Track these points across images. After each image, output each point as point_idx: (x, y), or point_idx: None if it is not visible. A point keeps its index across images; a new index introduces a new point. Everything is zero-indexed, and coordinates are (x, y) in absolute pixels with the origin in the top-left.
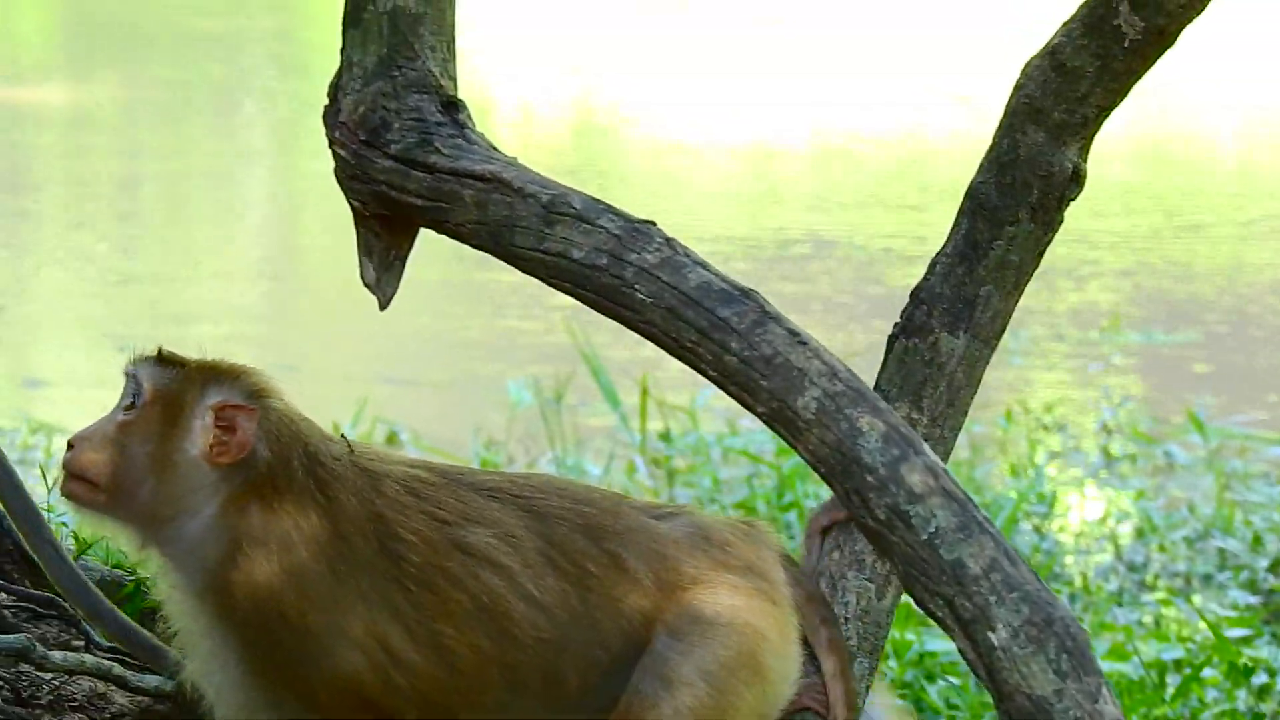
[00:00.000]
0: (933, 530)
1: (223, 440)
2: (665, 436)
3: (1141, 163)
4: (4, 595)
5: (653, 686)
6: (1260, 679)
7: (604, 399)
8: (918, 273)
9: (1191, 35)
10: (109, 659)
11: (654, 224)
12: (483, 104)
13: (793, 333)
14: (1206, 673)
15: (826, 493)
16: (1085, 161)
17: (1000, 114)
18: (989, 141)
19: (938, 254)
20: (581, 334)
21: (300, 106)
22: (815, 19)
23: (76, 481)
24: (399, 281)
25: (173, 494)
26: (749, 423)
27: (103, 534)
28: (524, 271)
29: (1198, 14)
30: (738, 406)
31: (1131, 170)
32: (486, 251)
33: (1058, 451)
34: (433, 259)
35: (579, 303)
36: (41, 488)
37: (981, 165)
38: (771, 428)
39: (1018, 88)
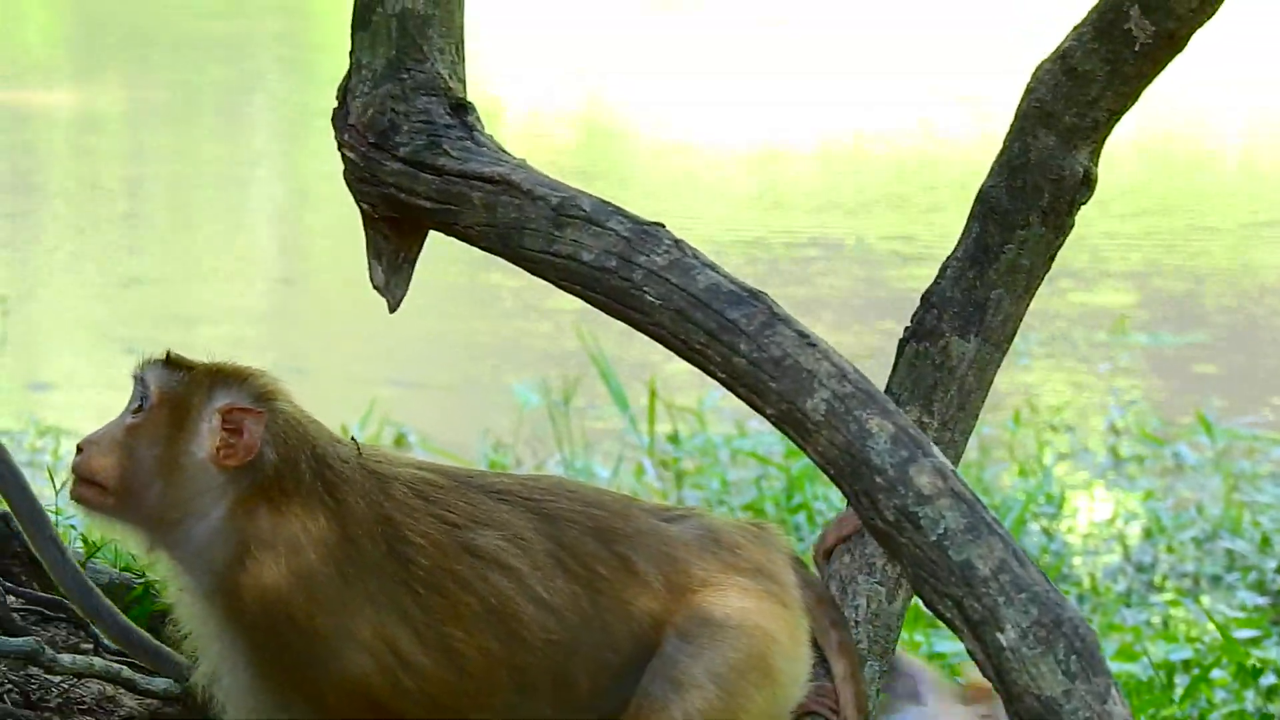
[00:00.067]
0: (941, 532)
1: (230, 443)
2: (674, 438)
3: (1149, 165)
4: (13, 598)
5: (662, 689)
6: (1268, 680)
7: (612, 401)
8: (927, 275)
9: (1199, 37)
10: (118, 662)
11: (663, 226)
12: (491, 106)
13: (802, 334)
14: (1215, 673)
15: (835, 494)
16: (1096, 165)
17: (1009, 116)
18: (997, 143)
19: (948, 257)
20: (590, 336)
21: (306, 108)
22: (821, 19)
23: (85, 485)
24: (408, 284)
25: (180, 496)
26: (757, 424)
27: (113, 537)
28: (533, 273)
29: (1208, 18)
30: (746, 408)
31: (1139, 172)
32: (495, 254)
33: (1066, 453)
34: (441, 261)
35: (587, 305)
36: (49, 490)
37: (992, 169)
38: (780, 429)
39: (1028, 91)
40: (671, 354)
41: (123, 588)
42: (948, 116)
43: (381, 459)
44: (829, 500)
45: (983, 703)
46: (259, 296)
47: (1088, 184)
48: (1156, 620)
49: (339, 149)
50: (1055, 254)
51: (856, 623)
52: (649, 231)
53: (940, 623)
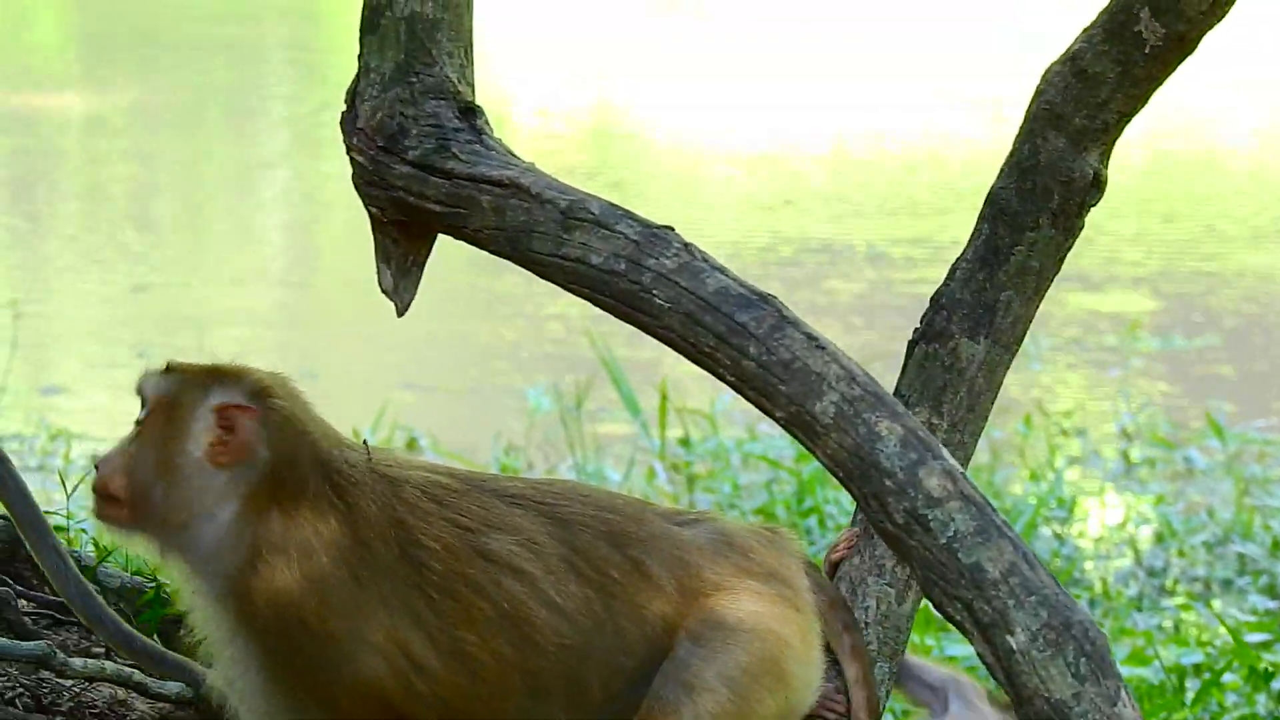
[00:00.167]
0: (951, 534)
1: (224, 440)
2: (685, 442)
3: (1160, 167)
4: (24, 602)
5: (674, 692)
6: None
7: (623, 405)
8: (937, 277)
9: (1209, 40)
10: (129, 666)
11: (672, 229)
12: (501, 109)
13: (811, 337)
14: (1226, 677)
15: (846, 498)
16: (1106, 167)
17: (1019, 118)
18: (1007, 145)
19: (958, 259)
20: (601, 340)
21: (317, 112)
22: (829, 21)
23: (103, 502)
24: (417, 288)
25: (183, 498)
26: (768, 428)
27: (136, 552)
28: (541, 277)
29: (1218, 20)
30: (757, 411)
31: (1150, 175)
32: (504, 257)
33: (1077, 456)
34: (452, 265)
35: (597, 308)
36: (60, 494)
37: (1002, 170)
38: (790, 432)
39: (1038, 93)
40: (682, 357)
41: (134, 592)
42: (957, 118)
43: (393, 462)
44: (840, 504)
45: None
46: (270, 300)
47: (1097, 186)
48: (1168, 624)
49: (347, 153)
50: (1065, 256)
51: (866, 624)
52: (658, 234)
53: (951, 626)
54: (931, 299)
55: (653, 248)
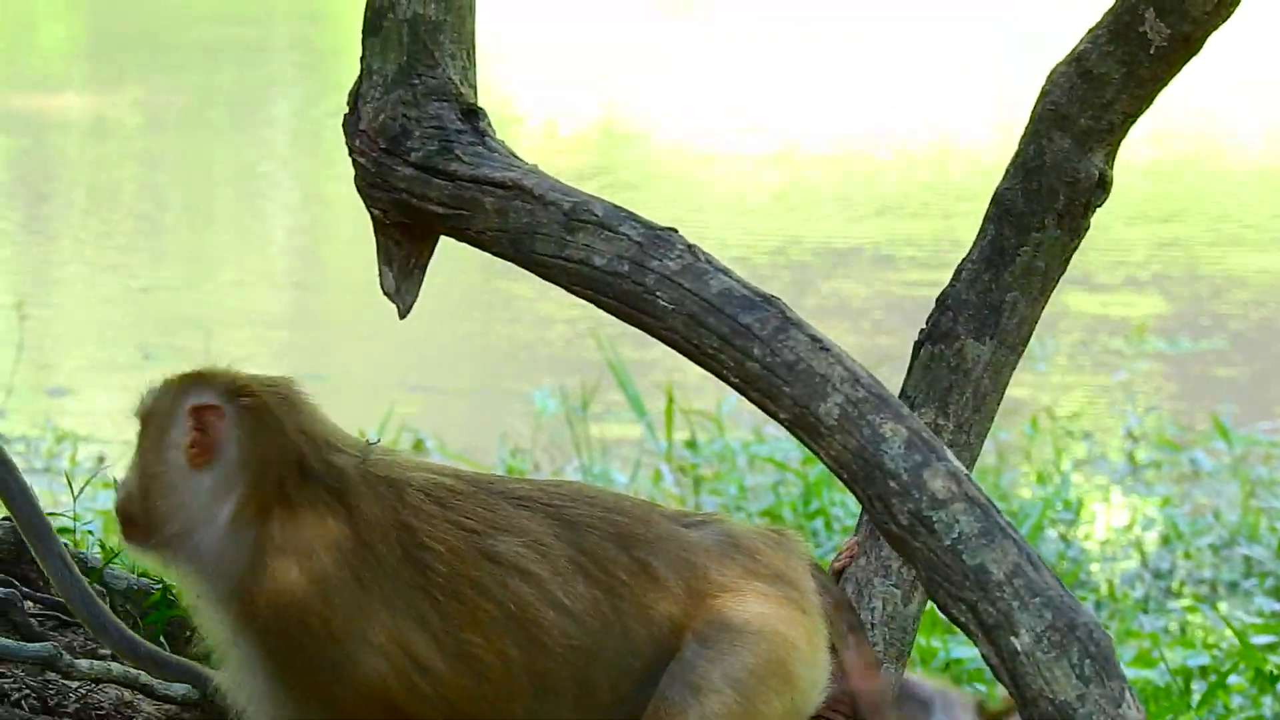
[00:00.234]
0: (955, 536)
1: (200, 442)
2: (691, 444)
3: (1166, 168)
4: (30, 604)
5: (680, 693)
6: None
7: (629, 407)
8: (943, 279)
9: (1216, 38)
10: (136, 667)
11: (675, 231)
12: (504, 112)
13: (815, 339)
14: (1232, 679)
15: (852, 500)
16: (1111, 168)
17: (1024, 119)
18: (1012, 146)
19: (964, 260)
20: (608, 343)
21: (324, 114)
22: (835, 23)
23: (124, 525)
24: (419, 290)
25: (177, 506)
26: (775, 430)
27: (160, 570)
28: (544, 279)
29: (1224, 20)
30: (763, 413)
31: (1156, 176)
32: (507, 259)
33: (1083, 459)
34: (458, 267)
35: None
36: (67, 495)
37: (1007, 171)
38: (793, 434)
39: (1043, 94)
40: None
41: (140, 594)
42: (959, 119)
43: (397, 463)
44: (846, 506)
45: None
46: (276, 302)
47: (1103, 187)
48: (1174, 626)
49: (350, 155)
50: (1070, 256)
51: (872, 625)
52: (661, 236)
53: (957, 628)
54: (937, 300)
55: (656, 249)
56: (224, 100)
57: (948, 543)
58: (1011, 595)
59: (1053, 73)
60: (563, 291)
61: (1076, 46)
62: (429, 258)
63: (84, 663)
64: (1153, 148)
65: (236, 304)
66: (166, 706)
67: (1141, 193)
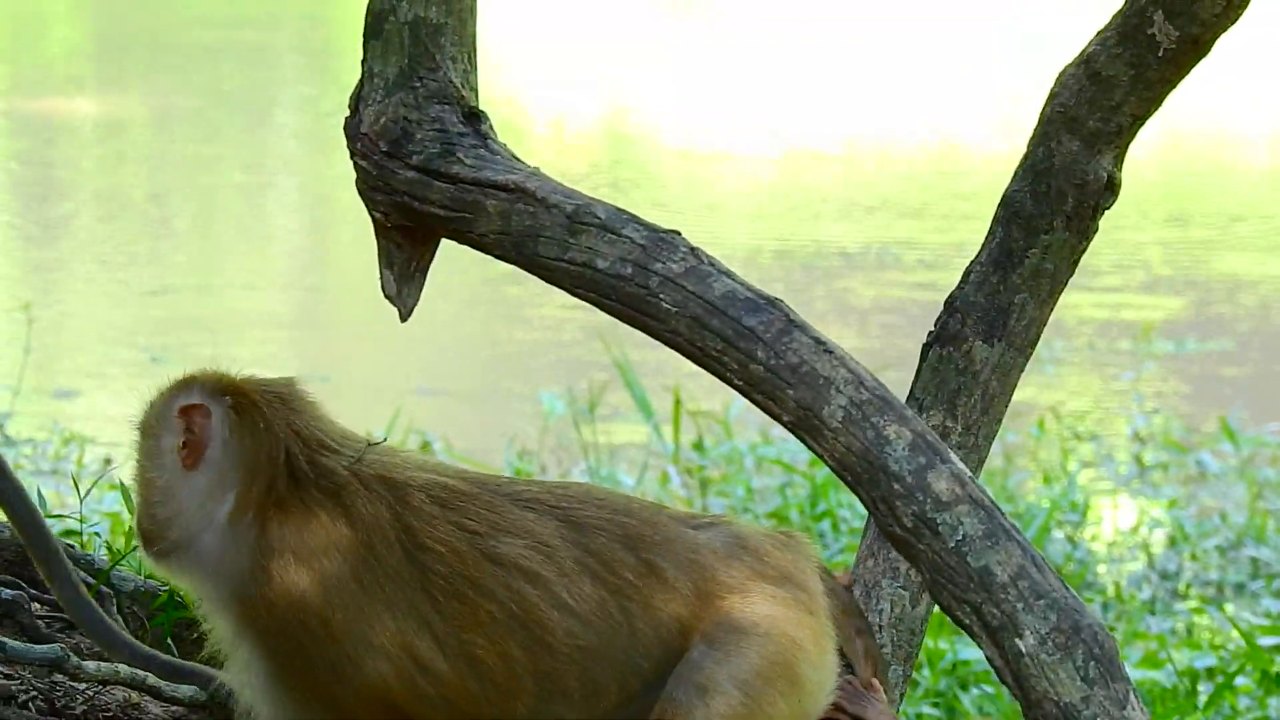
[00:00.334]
0: (960, 538)
1: (190, 442)
2: (698, 446)
3: (1174, 170)
4: (38, 606)
5: (687, 694)
6: None
7: (637, 409)
8: (951, 281)
9: (1226, 39)
10: (143, 669)
11: (679, 233)
12: (506, 114)
13: (818, 341)
14: (1239, 681)
15: (859, 502)
16: (1120, 170)
17: (1033, 121)
18: (1021, 148)
19: (972, 262)
20: (615, 345)
21: (332, 116)
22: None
23: (142, 539)
24: (420, 292)
25: (177, 510)
26: (782, 432)
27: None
28: (547, 281)
29: (1232, 23)
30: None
31: (1164, 178)
32: (509, 262)
33: (1090, 460)
34: (465, 270)
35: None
36: (74, 498)
37: (1016, 173)
38: (797, 436)
39: (1052, 96)
40: None
41: (147, 595)
42: (964, 119)
43: (398, 464)
44: (853, 508)
45: None
46: (284, 304)
47: (1111, 189)
48: (1181, 628)
49: (351, 158)
50: (1079, 259)
51: (880, 627)
52: (665, 239)
53: None
54: (946, 302)
55: (659, 252)
56: (233, 103)
57: (952, 545)
58: (1016, 597)
59: (1061, 75)
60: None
61: (1085, 48)
62: (430, 261)
63: (91, 664)
64: (1161, 148)
65: (244, 306)
66: (173, 708)
67: (1148, 194)
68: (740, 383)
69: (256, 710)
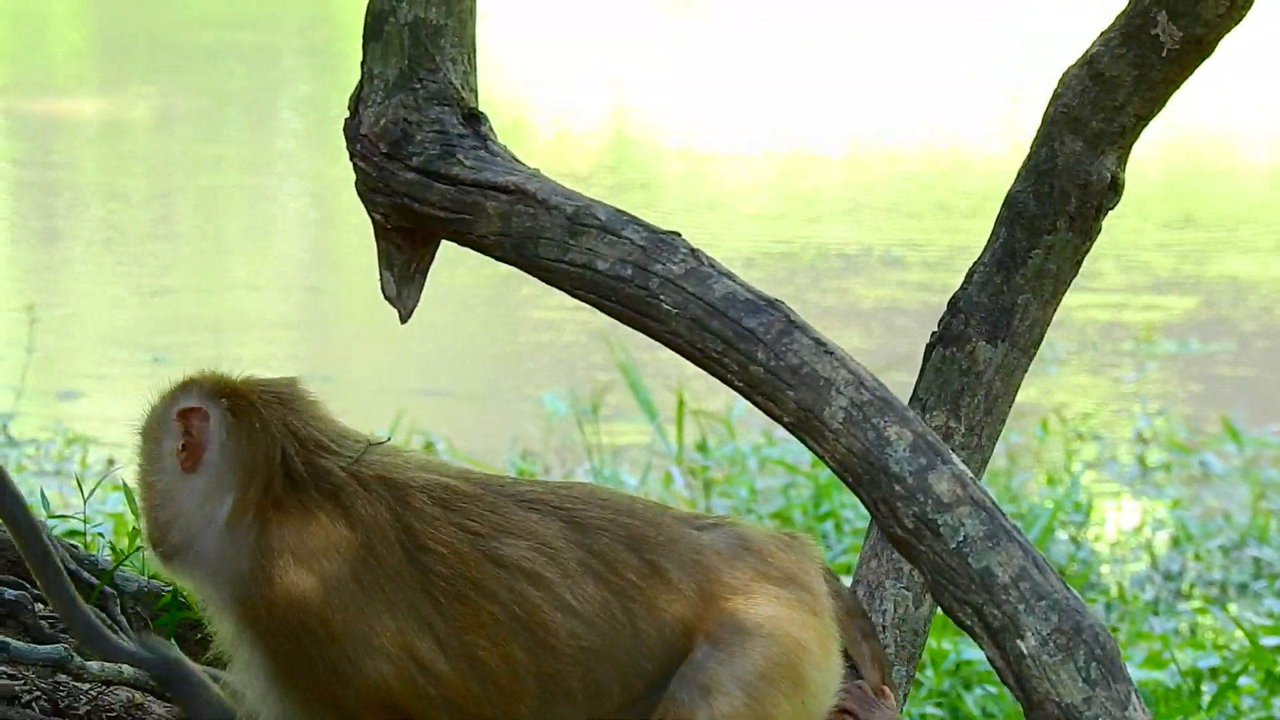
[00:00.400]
0: (961, 539)
1: (188, 445)
2: (702, 447)
3: (1177, 171)
4: (41, 606)
5: (690, 694)
6: None
7: (640, 410)
8: (954, 281)
9: (1230, 40)
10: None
11: (679, 235)
12: (507, 115)
13: (819, 342)
14: (1242, 681)
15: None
16: (1123, 171)
17: (1037, 122)
18: (1024, 148)
19: (975, 262)
20: (619, 346)
21: (335, 117)
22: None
23: (151, 548)
24: (420, 294)
25: (177, 511)
26: (785, 433)
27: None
28: (548, 283)
29: (1236, 23)
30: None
31: (1167, 178)
32: (509, 263)
33: (1094, 461)
34: (468, 270)
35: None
36: (77, 498)
37: (1019, 174)
38: (798, 437)
39: (1056, 97)
40: None
41: (151, 596)
42: (972, 122)
43: (400, 465)
44: (857, 509)
45: None
46: (287, 305)
47: (1115, 189)
48: (1184, 628)
49: (351, 159)
50: (1082, 259)
51: (884, 628)
52: (665, 240)
53: None
54: (949, 302)
55: (659, 253)
56: (237, 104)
57: (953, 546)
58: (1017, 598)
59: (1065, 75)
60: None
61: (1089, 49)
62: (430, 262)
63: (95, 665)
64: (1164, 149)
65: (246, 307)
66: (177, 709)
67: (1152, 195)
68: (741, 384)
69: (258, 711)
